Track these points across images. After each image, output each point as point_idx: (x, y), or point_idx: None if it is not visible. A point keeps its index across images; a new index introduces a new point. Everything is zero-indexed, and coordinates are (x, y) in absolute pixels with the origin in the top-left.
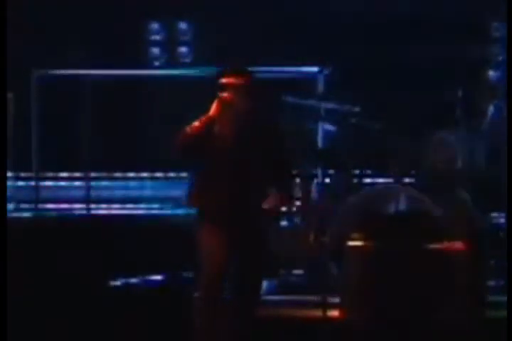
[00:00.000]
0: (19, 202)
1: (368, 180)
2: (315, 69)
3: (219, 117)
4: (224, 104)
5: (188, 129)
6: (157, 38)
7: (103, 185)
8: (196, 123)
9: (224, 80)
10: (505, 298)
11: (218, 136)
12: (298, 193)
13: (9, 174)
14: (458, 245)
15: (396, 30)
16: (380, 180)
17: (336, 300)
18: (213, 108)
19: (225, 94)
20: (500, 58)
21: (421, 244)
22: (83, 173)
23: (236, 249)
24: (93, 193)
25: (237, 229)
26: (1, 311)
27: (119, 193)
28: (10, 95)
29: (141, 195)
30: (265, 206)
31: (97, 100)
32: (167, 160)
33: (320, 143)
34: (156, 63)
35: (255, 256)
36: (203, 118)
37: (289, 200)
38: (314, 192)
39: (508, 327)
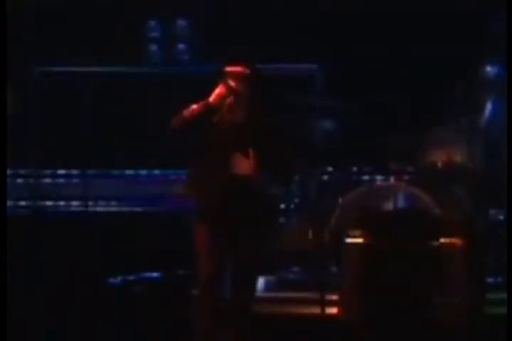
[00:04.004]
0: (18, 199)
1: (366, 178)
2: (314, 66)
3: (220, 106)
4: (228, 92)
5: (184, 112)
6: (155, 35)
7: (102, 183)
8: (193, 106)
9: (230, 70)
10: (503, 295)
11: (217, 126)
12: (297, 190)
13: (8, 171)
14: (456, 242)
15: (395, 29)
16: (379, 178)
17: (334, 297)
18: (215, 94)
19: (230, 82)
20: (499, 56)
21: (419, 241)
22: (82, 171)
23: (233, 246)
24: (92, 191)
25: (234, 226)
26: (1, 309)
27: (117, 191)
28: (9, 93)
29: (140, 192)
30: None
31: (96, 97)
32: (166, 158)
33: (319, 140)
34: (155, 60)
35: (252, 254)
36: (201, 103)
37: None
38: (313, 190)
39: (507, 325)
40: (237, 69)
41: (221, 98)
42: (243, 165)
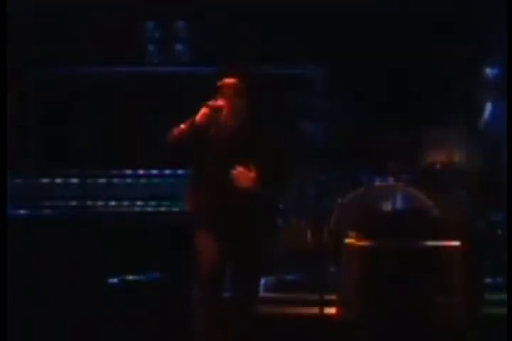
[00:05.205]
0: (17, 199)
1: (365, 178)
2: (314, 67)
3: (207, 125)
4: (212, 110)
5: (174, 131)
6: (154, 36)
7: (101, 183)
8: (182, 126)
9: (220, 82)
10: (502, 296)
11: (213, 138)
12: (296, 191)
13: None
14: (455, 243)
15: (395, 29)
16: (378, 178)
17: (333, 297)
18: (200, 114)
19: (212, 102)
20: (499, 56)
21: (418, 242)
22: (81, 171)
23: (232, 249)
24: (91, 191)
25: (234, 227)
26: (1, 310)
27: (117, 191)
28: (8, 94)
29: (139, 192)
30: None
31: (96, 98)
32: (165, 158)
33: (318, 142)
34: (154, 61)
35: (251, 256)
36: (188, 122)
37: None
38: (312, 190)
39: (508, 326)
40: (230, 81)
41: (207, 117)
42: (243, 177)
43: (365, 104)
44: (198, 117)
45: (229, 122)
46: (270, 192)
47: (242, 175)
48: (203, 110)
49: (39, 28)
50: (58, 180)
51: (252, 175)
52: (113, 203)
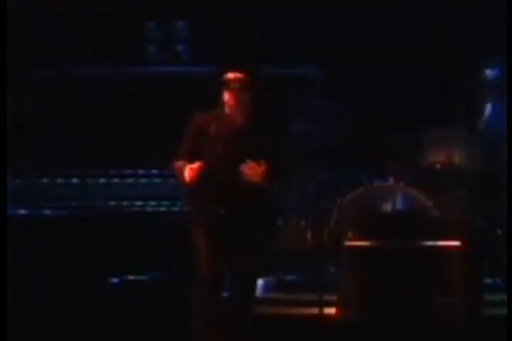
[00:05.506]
0: (17, 199)
1: (365, 178)
2: (314, 67)
3: (217, 117)
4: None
5: (173, 165)
6: (155, 36)
7: (101, 183)
8: (178, 166)
9: (225, 76)
10: (502, 297)
11: (214, 138)
12: (296, 191)
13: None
14: (454, 243)
15: (395, 29)
16: (378, 179)
17: (333, 298)
18: (188, 172)
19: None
20: (499, 56)
21: (418, 242)
22: (81, 171)
23: (232, 249)
24: (91, 191)
25: (234, 226)
26: (1, 310)
27: (117, 191)
28: (8, 94)
29: (139, 192)
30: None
31: (96, 98)
32: (165, 158)
33: (318, 141)
34: (154, 61)
35: (251, 256)
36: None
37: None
38: (312, 190)
39: (508, 326)
40: (235, 74)
41: (198, 173)
42: (253, 171)
43: (365, 104)
44: (187, 176)
45: (233, 117)
46: (280, 189)
47: (253, 169)
48: (188, 170)
49: (39, 28)
50: (58, 180)
51: (262, 169)
52: (113, 203)
